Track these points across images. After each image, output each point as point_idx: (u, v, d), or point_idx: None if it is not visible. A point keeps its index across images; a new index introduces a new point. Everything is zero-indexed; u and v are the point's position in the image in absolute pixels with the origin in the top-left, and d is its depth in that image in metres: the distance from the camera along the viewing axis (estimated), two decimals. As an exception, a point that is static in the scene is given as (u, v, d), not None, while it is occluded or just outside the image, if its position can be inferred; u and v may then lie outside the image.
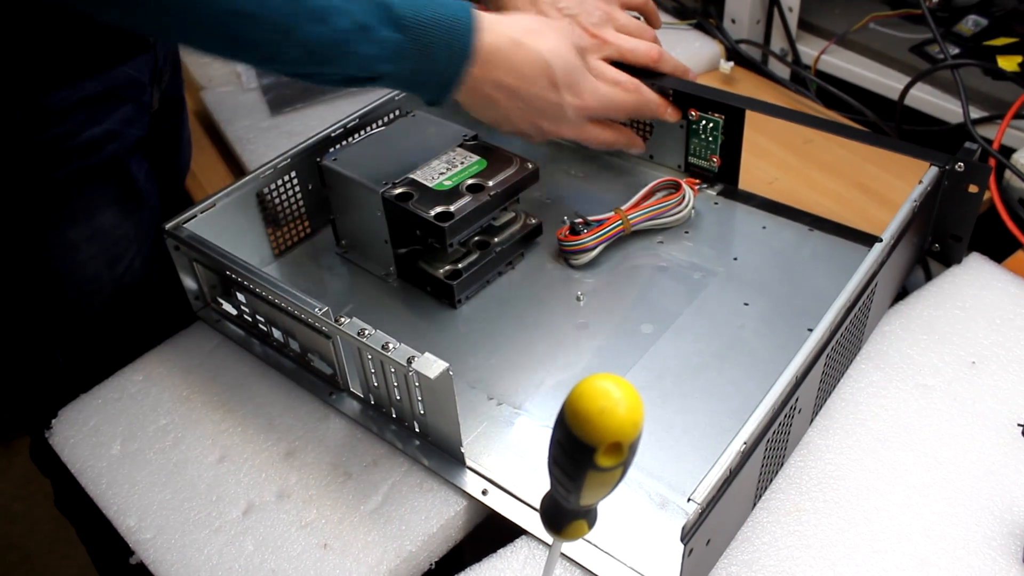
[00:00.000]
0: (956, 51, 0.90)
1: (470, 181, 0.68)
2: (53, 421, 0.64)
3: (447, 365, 0.50)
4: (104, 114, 0.65)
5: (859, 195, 0.80)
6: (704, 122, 0.76)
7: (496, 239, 0.71)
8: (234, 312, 0.67)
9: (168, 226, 0.65)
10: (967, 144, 0.65)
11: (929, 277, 0.73)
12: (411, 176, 0.68)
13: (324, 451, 0.59)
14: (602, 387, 0.29)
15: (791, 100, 0.97)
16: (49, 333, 0.73)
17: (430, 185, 0.67)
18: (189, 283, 0.68)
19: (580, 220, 0.71)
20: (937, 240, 0.70)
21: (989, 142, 0.79)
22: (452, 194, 0.66)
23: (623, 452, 0.30)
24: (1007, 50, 0.89)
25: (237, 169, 0.89)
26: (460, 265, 0.68)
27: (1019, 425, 0.57)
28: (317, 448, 0.59)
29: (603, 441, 0.30)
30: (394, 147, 0.72)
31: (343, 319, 0.55)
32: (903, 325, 0.64)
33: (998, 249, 0.73)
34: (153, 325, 0.70)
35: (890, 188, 0.81)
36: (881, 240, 0.58)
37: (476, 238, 0.70)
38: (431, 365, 0.51)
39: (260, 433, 0.61)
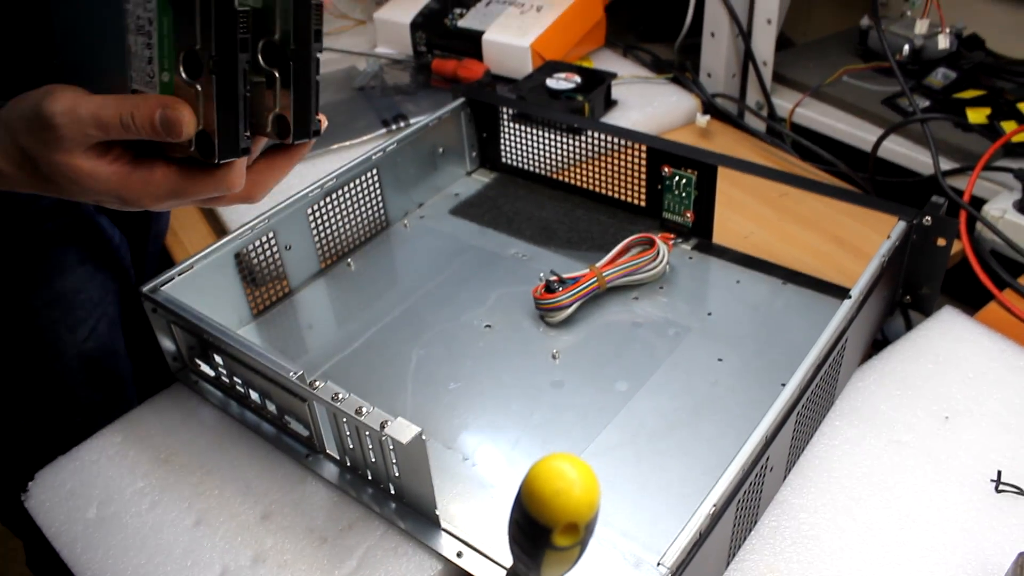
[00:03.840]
0: (926, 104, 0.92)
1: (180, 57, 0.46)
2: (29, 484, 0.64)
3: (419, 430, 0.51)
4: None
5: (835, 248, 0.82)
6: (677, 178, 0.77)
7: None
8: (212, 374, 0.67)
9: (145, 289, 0.65)
10: (934, 198, 0.66)
11: (909, 325, 0.74)
12: (133, 88, 0.49)
13: (300, 515, 0.59)
14: (557, 468, 0.30)
15: (767, 153, 0.99)
16: (10, 397, 0.72)
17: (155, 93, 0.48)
18: (167, 344, 0.68)
19: (555, 278, 0.72)
20: (908, 292, 0.71)
21: (960, 193, 0.81)
22: (186, 93, 0.47)
23: (579, 532, 0.31)
24: (976, 102, 0.91)
25: (218, 228, 0.90)
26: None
27: (992, 481, 0.57)
28: (293, 511, 0.59)
29: (559, 522, 0.30)
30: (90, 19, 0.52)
31: (318, 383, 0.56)
32: (876, 380, 0.65)
33: (972, 300, 0.73)
34: (122, 387, 0.70)
35: (865, 240, 0.82)
36: (851, 296, 0.59)
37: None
38: (404, 429, 0.51)
39: (237, 496, 0.60)
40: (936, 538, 0.54)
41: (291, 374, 0.57)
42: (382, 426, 0.52)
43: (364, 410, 0.53)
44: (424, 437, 0.51)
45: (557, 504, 0.30)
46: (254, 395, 0.64)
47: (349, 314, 0.75)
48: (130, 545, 0.58)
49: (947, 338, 0.68)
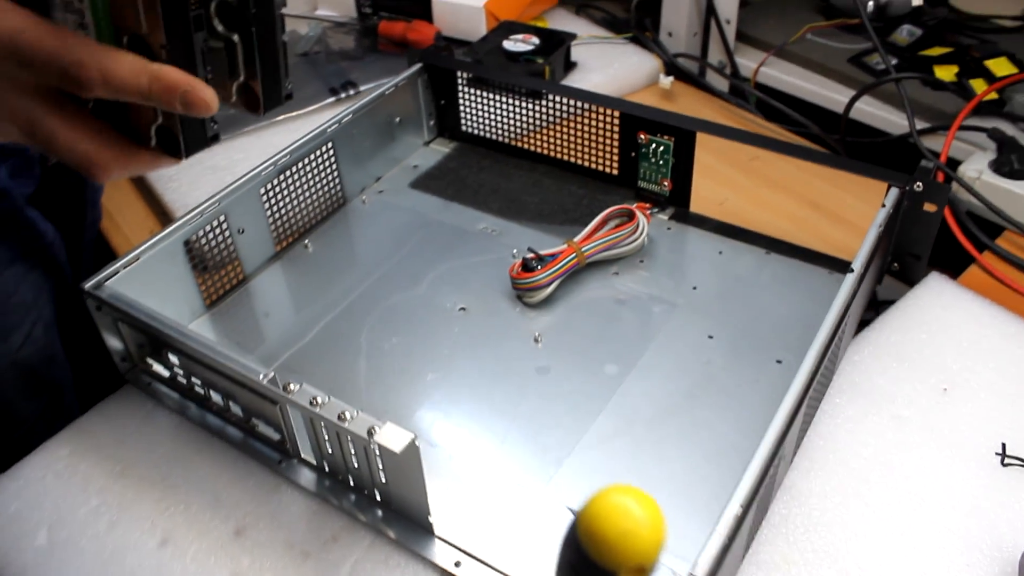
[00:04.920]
0: (894, 61, 0.90)
1: (124, 42, 0.41)
2: (-33, 507, 0.57)
3: (413, 436, 0.46)
4: None
5: (811, 213, 0.79)
6: (654, 145, 0.73)
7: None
8: (167, 374, 0.62)
9: (88, 286, 0.59)
10: (923, 163, 0.64)
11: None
12: None
13: (278, 527, 0.54)
14: (622, 505, 0.26)
15: (731, 114, 0.96)
16: None
17: None
18: (114, 344, 0.62)
19: (533, 255, 0.68)
20: (896, 259, 0.69)
21: (935, 154, 0.79)
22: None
23: (646, 574, 0.27)
24: (943, 60, 0.89)
25: (160, 210, 0.83)
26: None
27: (997, 454, 0.56)
28: (270, 524, 0.54)
29: (625, 565, 0.26)
30: None
31: (292, 386, 0.51)
32: (871, 353, 0.63)
33: (948, 262, 0.72)
34: (61, 395, 0.63)
35: (841, 205, 0.80)
36: (852, 270, 0.56)
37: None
38: (395, 437, 0.46)
39: (205, 510, 0.55)
40: (949, 518, 0.52)
41: (261, 376, 0.51)
42: (370, 433, 0.47)
43: (348, 415, 0.48)
44: (418, 443, 0.47)
45: (625, 547, 0.26)
46: (216, 396, 0.59)
47: (309, 299, 0.70)
48: (90, 572, 0.53)
49: (937, 306, 0.66)
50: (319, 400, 0.49)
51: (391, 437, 0.47)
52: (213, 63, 0.43)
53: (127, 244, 0.81)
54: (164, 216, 0.82)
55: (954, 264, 0.73)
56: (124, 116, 0.45)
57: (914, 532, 0.52)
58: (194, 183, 0.82)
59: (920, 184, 0.63)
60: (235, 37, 0.43)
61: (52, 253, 0.66)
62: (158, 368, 0.62)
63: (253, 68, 0.44)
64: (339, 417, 0.48)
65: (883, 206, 0.61)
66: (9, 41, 0.38)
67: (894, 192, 0.62)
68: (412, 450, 0.47)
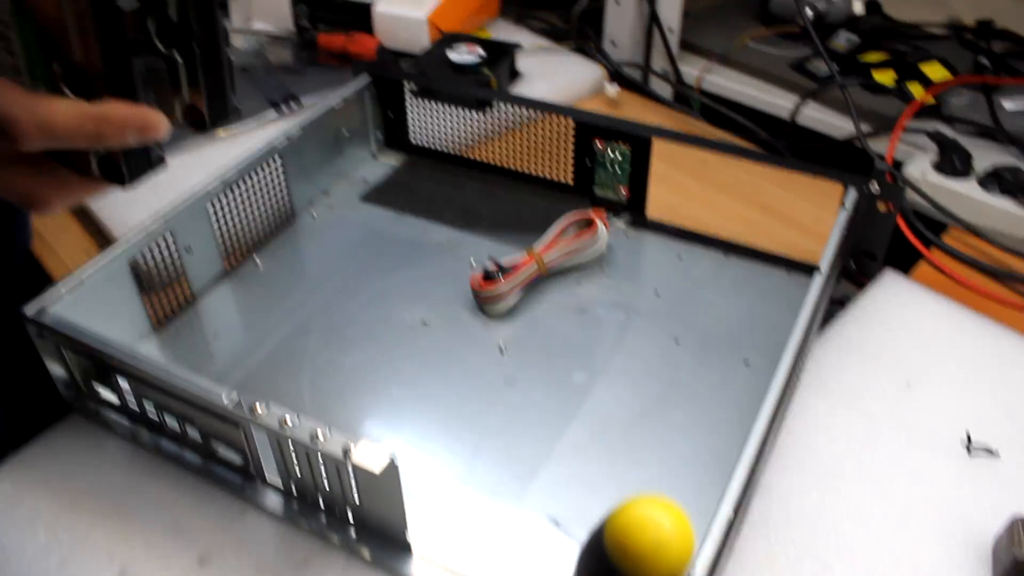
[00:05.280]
0: (836, 67, 0.92)
1: (58, 71, 0.39)
2: (-101, 552, 0.53)
3: (392, 455, 0.45)
4: None
5: (762, 216, 0.80)
6: (611, 153, 0.73)
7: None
8: (116, 400, 0.58)
9: (30, 313, 0.56)
10: (877, 164, 0.65)
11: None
12: None
13: (245, 554, 0.51)
14: (652, 518, 0.25)
15: (677, 121, 0.96)
16: None
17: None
18: (57, 371, 0.59)
19: (493, 265, 0.66)
20: (853, 259, 0.70)
21: (879, 157, 0.81)
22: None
23: (675, 583, 0.26)
24: (881, 65, 0.91)
25: (95, 230, 0.80)
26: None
27: (963, 444, 0.57)
28: (236, 551, 0.52)
29: None
30: None
31: (259, 407, 0.48)
32: (836, 351, 0.63)
33: (895, 260, 0.73)
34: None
35: (790, 207, 0.81)
36: (820, 272, 0.57)
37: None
38: (374, 457, 0.45)
39: (166, 539, 0.52)
40: (922, 510, 0.53)
41: (225, 398, 0.49)
42: (346, 453, 0.45)
43: (321, 435, 0.46)
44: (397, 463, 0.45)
45: (658, 559, 0.25)
46: (170, 421, 0.56)
47: (262, 318, 0.68)
48: (42, 614, 0.49)
49: (894, 303, 0.67)
50: (289, 421, 0.47)
51: (369, 457, 0.45)
52: (155, 82, 0.41)
53: (62, 266, 0.77)
54: (101, 236, 0.79)
55: (900, 262, 0.74)
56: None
57: (891, 524, 0.52)
58: (132, 200, 0.78)
59: (877, 185, 0.64)
60: (176, 55, 0.41)
61: None
62: (107, 394, 0.59)
63: (197, 86, 0.43)
64: (312, 438, 0.46)
65: (843, 207, 0.62)
66: None
67: (852, 194, 0.63)
68: (392, 470, 0.45)
